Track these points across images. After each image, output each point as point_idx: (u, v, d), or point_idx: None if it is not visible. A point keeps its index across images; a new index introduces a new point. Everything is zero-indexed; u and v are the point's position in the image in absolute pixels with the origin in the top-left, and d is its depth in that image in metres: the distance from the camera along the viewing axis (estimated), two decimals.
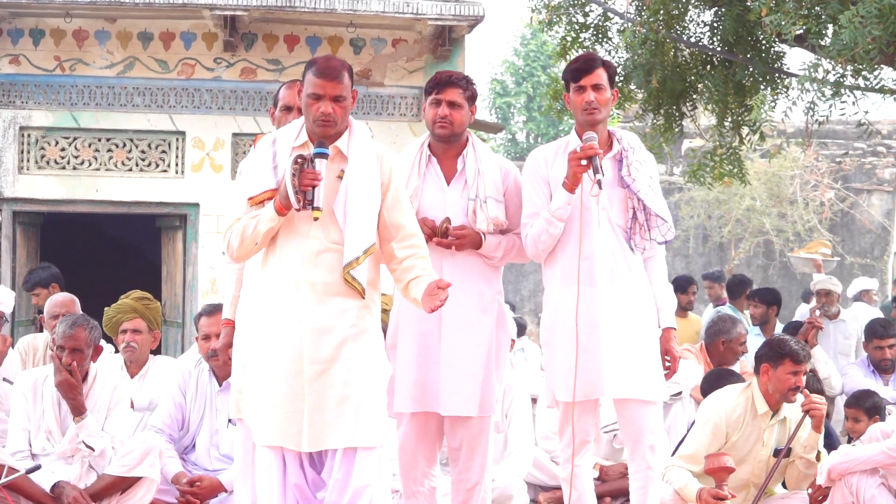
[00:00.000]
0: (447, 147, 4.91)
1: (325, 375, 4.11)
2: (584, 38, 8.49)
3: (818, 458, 5.61)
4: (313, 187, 4.06)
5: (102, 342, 6.09)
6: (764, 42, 7.80)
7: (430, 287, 4.06)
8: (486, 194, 4.85)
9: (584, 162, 4.65)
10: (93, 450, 5.57)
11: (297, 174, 4.07)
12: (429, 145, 4.94)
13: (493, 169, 4.91)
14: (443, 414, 4.84)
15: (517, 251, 4.94)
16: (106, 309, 6.69)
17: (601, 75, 4.78)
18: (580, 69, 4.79)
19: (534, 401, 6.77)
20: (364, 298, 4.18)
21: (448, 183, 4.90)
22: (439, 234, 4.79)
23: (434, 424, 4.89)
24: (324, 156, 4.11)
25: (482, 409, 4.85)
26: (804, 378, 5.63)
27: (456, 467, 4.95)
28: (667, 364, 4.90)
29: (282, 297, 4.16)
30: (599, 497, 5.77)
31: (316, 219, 4.09)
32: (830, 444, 6.17)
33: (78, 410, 5.57)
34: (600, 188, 4.63)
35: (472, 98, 4.88)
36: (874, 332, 7.98)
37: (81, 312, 6.44)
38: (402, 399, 4.84)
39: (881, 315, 10.35)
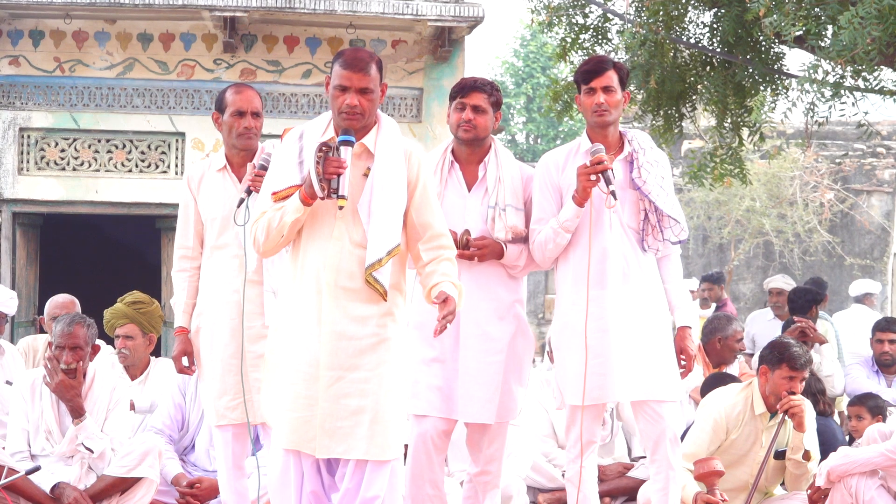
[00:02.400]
0: (470, 152, 4.90)
1: (342, 383, 4.05)
2: (584, 40, 8.48)
3: (806, 457, 5.61)
4: (338, 175, 3.97)
5: (102, 343, 6.10)
6: (763, 43, 7.80)
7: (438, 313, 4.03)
8: (506, 202, 4.85)
9: (593, 177, 4.66)
10: (92, 452, 5.57)
11: (322, 162, 3.98)
12: (452, 150, 4.93)
13: (514, 176, 4.91)
14: (461, 420, 4.85)
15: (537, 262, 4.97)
16: (105, 312, 6.69)
17: (612, 77, 4.77)
18: (591, 71, 4.78)
19: None
20: (386, 301, 4.09)
21: (469, 189, 4.90)
22: (460, 247, 4.76)
23: (448, 430, 4.89)
24: (349, 143, 4.02)
25: (500, 416, 4.86)
26: (801, 385, 5.61)
27: (475, 469, 4.97)
28: (682, 363, 4.90)
29: (302, 300, 4.10)
30: (599, 497, 5.77)
31: (341, 207, 4.00)
32: (833, 444, 6.16)
33: (77, 412, 5.57)
34: (615, 199, 4.62)
35: (496, 104, 4.89)
36: (878, 324, 8.00)
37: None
38: (421, 402, 4.84)
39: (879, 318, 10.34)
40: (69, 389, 5.54)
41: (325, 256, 4.07)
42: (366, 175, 4.10)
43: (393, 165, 4.11)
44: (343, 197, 3.98)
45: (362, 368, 4.05)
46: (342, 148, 4.01)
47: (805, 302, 8.73)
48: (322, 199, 4.00)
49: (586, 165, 4.69)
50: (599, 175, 4.64)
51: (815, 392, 6.71)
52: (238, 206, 4.69)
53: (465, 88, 4.86)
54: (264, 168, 4.71)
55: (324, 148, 4.00)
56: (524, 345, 4.95)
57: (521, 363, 4.94)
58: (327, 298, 4.06)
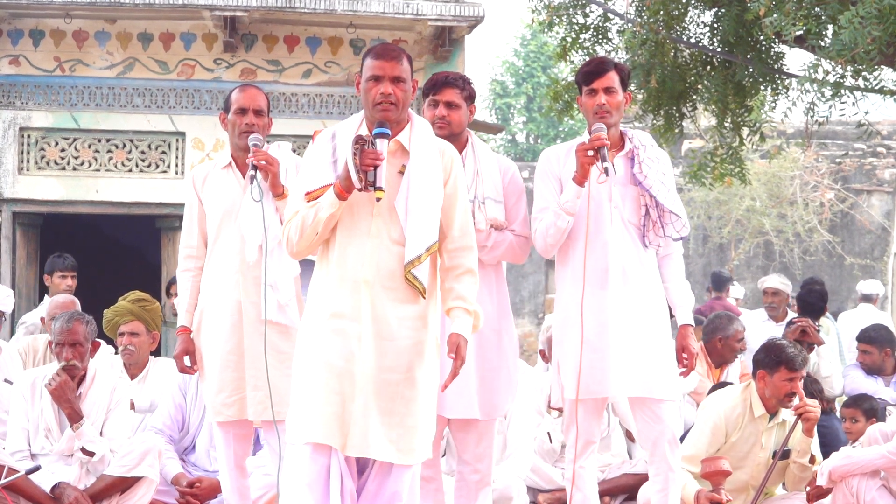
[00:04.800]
0: None
1: (375, 383, 4.00)
2: (584, 39, 8.47)
3: (812, 461, 5.62)
4: (375, 167, 3.94)
5: (103, 343, 6.10)
6: (764, 42, 7.79)
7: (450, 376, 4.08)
8: (485, 195, 4.83)
9: (591, 153, 4.65)
10: (91, 456, 5.57)
11: (359, 154, 3.94)
12: None
13: (492, 169, 4.90)
14: (447, 417, 4.82)
15: (509, 247, 4.87)
16: (105, 312, 6.69)
17: (613, 78, 4.78)
18: (592, 72, 4.79)
19: None
20: (424, 299, 4.06)
21: None
22: None
23: (440, 430, 4.85)
24: (385, 135, 3.99)
25: (486, 413, 4.83)
26: (800, 383, 5.62)
27: (462, 469, 4.93)
28: (684, 361, 4.89)
29: (338, 297, 4.04)
30: (599, 496, 5.76)
31: (379, 199, 3.98)
32: (835, 443, 6.17)
33: (75, 416, 5.56)
34: (607, 175, 4.60)
35: (470, 98, 4.86)
36: (859, 336, 7.93)
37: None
38: None
39: (886, 318, 10.32)
40: (69, 391, 5.53)
41: (363, 254, 4.03)
42: (401, 172, 4.07)
43: (429, 162, 4.10)
44: (381, 189, 3.95)
45: (396, 370, 4.02)
46: (378, 140, 3.98)
47: (820, 303, 8.63)
48: (360, 190, 3.96)
49: (584, 143, 4.69)
50: (596, 152, 4.63)
51: (812, 392, 6.72)
52: (251, 184, 4.74)
53: (437, 85, 4.84)
54: (257, 146, 4.80)
55: (360, 141, 3.97)
56: (508, 340, 4.91)
57: (507, 358, 4.90)
58: (366, 296, 4.02)
